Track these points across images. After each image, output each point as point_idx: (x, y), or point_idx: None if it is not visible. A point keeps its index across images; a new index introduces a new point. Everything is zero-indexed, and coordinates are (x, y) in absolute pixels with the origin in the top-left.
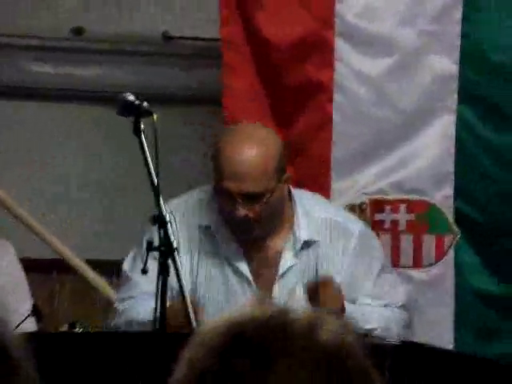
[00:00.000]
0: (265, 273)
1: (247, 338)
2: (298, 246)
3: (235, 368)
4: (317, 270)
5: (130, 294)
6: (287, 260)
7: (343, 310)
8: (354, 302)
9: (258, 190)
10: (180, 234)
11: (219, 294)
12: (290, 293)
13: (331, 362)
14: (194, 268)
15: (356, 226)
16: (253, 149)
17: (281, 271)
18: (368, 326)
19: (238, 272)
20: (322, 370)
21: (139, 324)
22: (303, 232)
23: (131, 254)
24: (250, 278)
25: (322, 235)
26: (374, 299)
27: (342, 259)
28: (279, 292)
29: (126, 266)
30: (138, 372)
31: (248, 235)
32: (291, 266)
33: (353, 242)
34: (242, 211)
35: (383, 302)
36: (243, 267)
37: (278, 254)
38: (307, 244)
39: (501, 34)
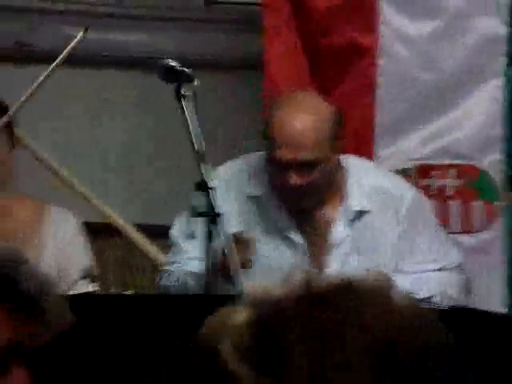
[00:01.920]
0: (317, 243)
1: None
2: (350, 216)
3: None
4: (368, 241)
5: (176, 259)
6: (339, 231)
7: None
8: (406, 269)
9: (312, 158)
10: (227, 201)
11: (270, 260)
12: (343, 263)
13: (403, 327)
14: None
15: (408, 191)
16: (306, 117)
17: (334, 242)
18: (425, 294)
19: (290, 241)
20: (392, 334)
21: (192, 274)
22: (355, 202)
23: (178, 220)
24: (305, 247)
25: (373, 204)
26: (429, 263)
27: (394, 228)
28: (333, 263)
29: (173, 231)
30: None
31: (299, 205)
32: (344, 237)
33: (404, 208)
34: (295, 179)
35: (438, 264)
36: (296, 237)
37: (330, 225)
38: (359, 214)
39: None
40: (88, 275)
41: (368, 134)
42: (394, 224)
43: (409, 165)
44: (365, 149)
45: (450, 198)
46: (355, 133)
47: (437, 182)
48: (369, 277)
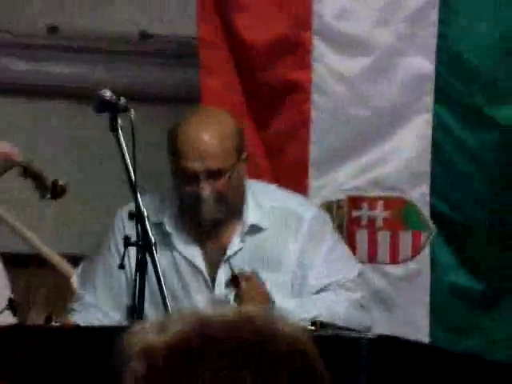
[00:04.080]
0: (214, 258)
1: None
2: (245, 229)
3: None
4: (263, 258)
5: (74, 307)
6: (234, 244)
7: (271, 304)
8: (303, 288)
9: (219, 166)
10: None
11: (174, 285)
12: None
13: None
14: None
15: (308, 211)
16: (210, 127)
17: (227, 255)
18: (309, 315)
19: (189, 262)
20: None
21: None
22: (251, 217)
23: (79, 269)
24: (202, 266)
25: (272, 223)
26: (323, 277)
27: (292, 246)
28: (224, 276)
29: (76, 283)
30: (113, 366)
31: (208, 215)
32: (237, 250)
33: (304, 227)
34: (205, 188)
35: (330, 279)
36: (196, 258)
37: (228, 242)
38: (254, 229)
39: (476, 37)
40: (10, 306)
41: (302, 166)
42: (293, 241)
43: (341, 196)
44: (300, 180)
45: (380, 229)
46: (290, 165)
47: (367, 213)
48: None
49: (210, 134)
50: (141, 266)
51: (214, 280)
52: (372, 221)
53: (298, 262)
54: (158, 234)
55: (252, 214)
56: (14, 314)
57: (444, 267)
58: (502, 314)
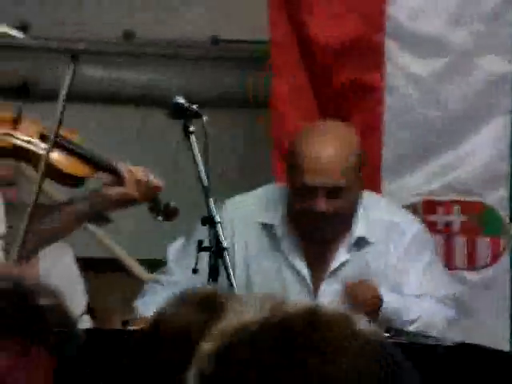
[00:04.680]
0: (319, 269)
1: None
2: (352, 241)
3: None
4: (368, 272)
5: (161, 279)
6: (340, 256)
7: (379, 307)
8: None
9: (340, 183)
10: (236, 230)
11: (274, 288)
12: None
13: (369, 350)
14: (248, 264)
15: (413, 226)
16: (336, 143)
17: (333, 267)
18: (409, 318)
19: (293, 268)
20: (361, 358)
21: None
22: (359, 230)
23: (175, 246)
24: (306, 274)
25: (378, 236)
26: (418, 288)
27: (393, 255)
28: (329, 288)
29: (169, 254)
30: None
31: (320, 233)
32: (344, 263)
33: (406, 241)
34: (322, 205)
35: (429, 294)
36: (300, 264)
37: (335, 252)
38: (362, 242)
39: None
40: (89, 310)
41: (375, 169)
42: (395, 256)
43: (415, 200)
44: (372, 184)
45: (456, 233)
46: (363, 169)
47: (443, 218)
48: (337, 307)
49: (333, 150)
50: (213, 272)
51: (316, 290)
52: (448, 225)
53: (396, 270)
54: (266, 235)
55: (360, 228)
56: (93, 318)
57: None
58: None
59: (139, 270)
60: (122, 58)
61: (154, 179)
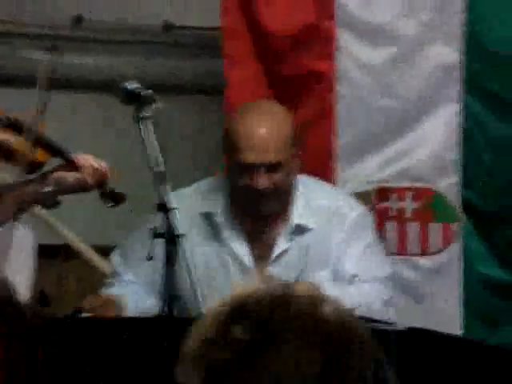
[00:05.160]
0: (262, 257)
1: (247, 310)
2: (290, 229)
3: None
4: (311, 258)
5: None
6: (280, 244)
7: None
8: (337, 274)
9: (278, 159)
10: (181, 221)
11: (218, 277)
12: (284, 276)
13: (333, 338)
14: (191, 254)
15: (353, 211)
16: (270, 120)
17: (274, 255)
18: (351, 305)
19: (235, 255)
20: (323, 346)
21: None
22: (297, 217)
23: (118, 251)
24: (247, 261)
25: (318, 222)
26: (358, 267)
27: (334, 240)
28: (273, 275)
29: (114, 260)
30: (143, 357)
31: (261, 209)
32: (284, 251)
33: (347, 225)
34: (262, 181)
35: (367, 276)
36: (242, 250)
37: (275, 239)
38: (300, 229)
39: (503, 25)
40: (41, 297)
41: (327, 157)
42: (336, 237)
43: (368, 187)
44: (324, 172)
45: (409, 220)
46: (314, 157)
47: (396, 205)
48: (299, 288)
49: (268, 127)
50: (169, 259)
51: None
52: (401, 212)
53: (337, 252)
54: (208, 225)
55: (298, 214)
56: (45, 306)
57: (475, 258)
58: None
59: (96, 258)
60: (71, 43)
61: (104, 165)
